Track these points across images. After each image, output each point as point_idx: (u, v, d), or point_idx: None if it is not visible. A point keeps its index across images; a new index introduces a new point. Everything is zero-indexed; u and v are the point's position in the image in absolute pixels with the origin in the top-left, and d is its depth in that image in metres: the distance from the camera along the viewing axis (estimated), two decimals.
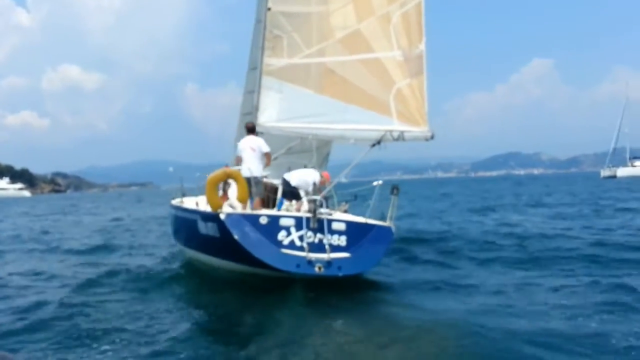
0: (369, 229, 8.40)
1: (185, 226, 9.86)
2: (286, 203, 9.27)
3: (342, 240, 8.02)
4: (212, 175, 8.55)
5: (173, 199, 11.48)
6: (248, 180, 8.64)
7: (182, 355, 5.33)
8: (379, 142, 9.14)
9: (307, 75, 9.61)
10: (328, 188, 9.28)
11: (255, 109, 10.07)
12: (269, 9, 9.77)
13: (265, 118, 9.81)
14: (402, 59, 9.12)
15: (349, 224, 8.27)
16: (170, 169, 11.82)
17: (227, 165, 10.27)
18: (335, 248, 7.89)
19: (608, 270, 9.36)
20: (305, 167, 9.90)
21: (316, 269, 7.44)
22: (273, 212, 8.68)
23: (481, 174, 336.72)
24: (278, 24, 9.75)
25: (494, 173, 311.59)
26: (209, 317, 6.94)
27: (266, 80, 9.87)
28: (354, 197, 9.91)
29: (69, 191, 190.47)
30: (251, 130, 9.43)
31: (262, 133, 9.70)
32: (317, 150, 10.31)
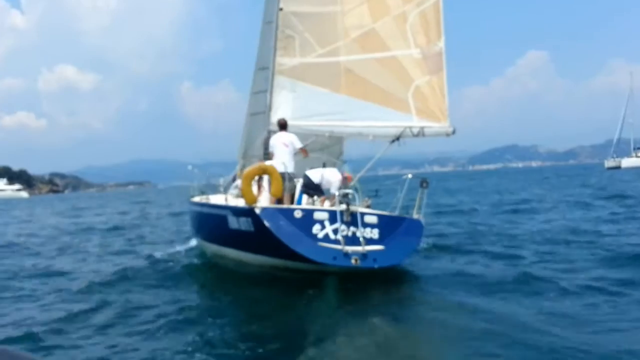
0: (400, 221, 8.49)
1: (212, 222, 9.92)
2: (305, 198, 9.37)
3: (374, 233, 8.08)
4: (248, 170, 8.70)
5: (192, 196, 11.64)
6: (282, 175, 8.77)
7: (215, 350, 5.38)
8: (397, 138, 9.31)
9: (322, 74, 9.74)
10: (353, 182, 9.35)
11: (269, 108, 10.23)
12: (281, 9, 9.92)
13: (279, 116, 9.96)
14: (420, 56, 9.27)
15: (381, 217, 8.34)
16: (190, 167, 12.05)
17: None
18: (369, 241, 7.96)
19: None
20: (323, 165, 10.00)
21: (352, 261, 7.49)
22: (307, 206, 8.77)
23: (478, 167, 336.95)
24: (290, 24, 9.89)
25: (491, 166, 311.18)
26: (244, 313, 7.03)
27: (279, 80, 10.03)
28: (375, 192, 10.02)
29: (66, 191, 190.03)
30: (283, 126, 9.59)
31: (274, 131, 9.86)
32: (331, 148, 10.44)
